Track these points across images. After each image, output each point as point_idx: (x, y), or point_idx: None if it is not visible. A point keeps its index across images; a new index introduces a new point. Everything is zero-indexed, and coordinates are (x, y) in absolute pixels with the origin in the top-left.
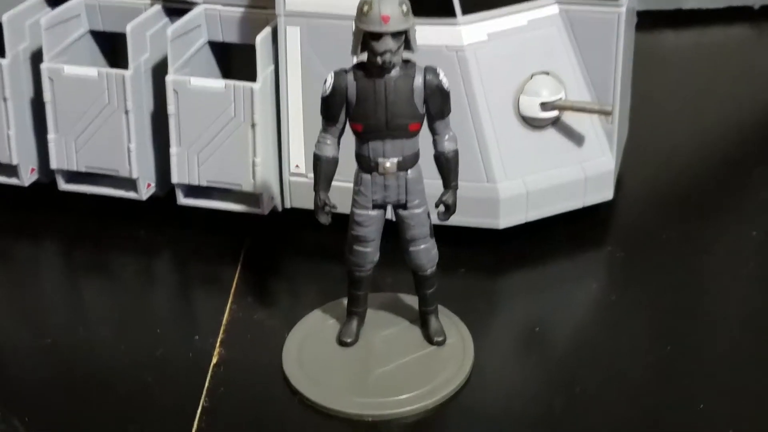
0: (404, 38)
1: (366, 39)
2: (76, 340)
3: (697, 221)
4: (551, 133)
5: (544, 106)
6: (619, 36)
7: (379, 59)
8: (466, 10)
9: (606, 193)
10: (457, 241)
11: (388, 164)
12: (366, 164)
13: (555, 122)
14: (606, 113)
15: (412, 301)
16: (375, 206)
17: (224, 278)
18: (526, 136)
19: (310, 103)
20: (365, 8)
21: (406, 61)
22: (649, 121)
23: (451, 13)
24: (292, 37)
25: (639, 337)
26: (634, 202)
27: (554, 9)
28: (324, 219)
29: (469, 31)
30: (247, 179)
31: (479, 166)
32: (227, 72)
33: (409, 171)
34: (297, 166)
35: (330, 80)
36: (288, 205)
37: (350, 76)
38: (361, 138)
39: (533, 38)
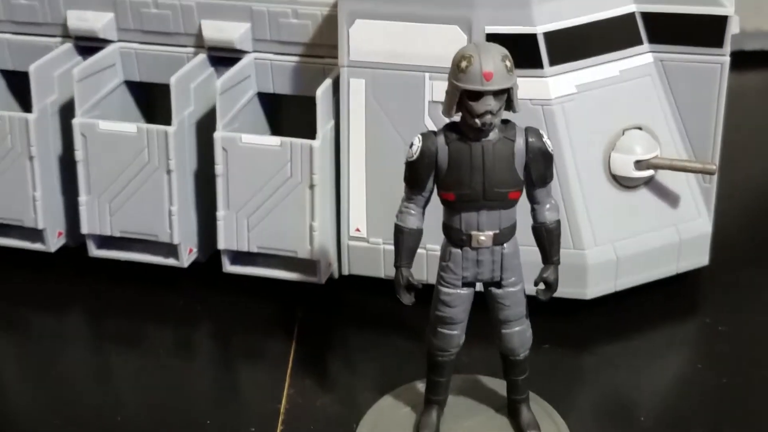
0: (506, 97)
1: (462, 98)
2: (113, 430)
3: None
4: (644, 193)
5: (639, 164)
6: (722, 87)
7: (478, 121)
8: (553, 61)
9: (701, 258)
10: (538, 313)
11: (482, 237)
12: (457, 237)
13: (648, 181)
14: (709, 173)
15: (494, 384)
16: (465, 284)
17: (277, 356)
18: (617, 196)
19: (374, 161)
20: (463, 63)
21: (505, 122)
22: (728, 170)
23: (537, 64)
24: (356, 90)
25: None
26: (729, 263)
27: (648, 58)
28: (407, 300)
29: (557, 83)
30: (303, 245)
31: (566, 231)
32: (276, 126)
33: (506, 245)
34: (358, 229)
35: (417, 143)
36: (346, 272)
37: (441, 139)
38: (453, 208)
39: (625, 90)
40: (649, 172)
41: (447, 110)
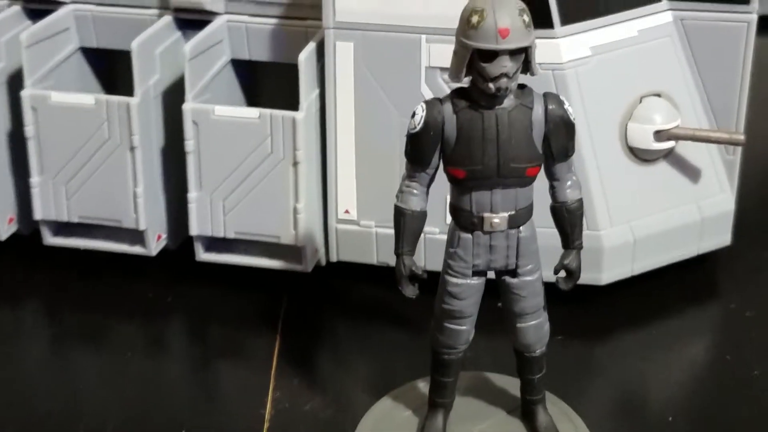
0: (524, 57)
1: (473, 59)
2: None
3: None
4: (663, 168)
5: (658, 135)
6: (748, 49)
7: (491, 86)
8: (565, 20)
9: (724, 237)
10: (549, 301)
11: (496, 220)
12: (466, 220)
13: (667, 154)
14: (737, 143)
15: (505, 382)
16: (475, 273)
17: (260, 354)
18: (635, 171)
19: (365, 135)
20: (474, 18)
21: (521, 87)
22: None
23: (547, 23)
24: (343, 55)
25: None
26: (753, 243)
27: (668, 16)
28: (410, 292)
29: (570, 44)
30: (286, 230)
31: None
32: (253, 98)
33: (522, 228)
34: (347, 211)
35: (421, 112)
36: (334, 258)
37: (447, 107)
38: (462, 187)
39: (643, 52)
40: (670, 144)
41: (455, 74)
